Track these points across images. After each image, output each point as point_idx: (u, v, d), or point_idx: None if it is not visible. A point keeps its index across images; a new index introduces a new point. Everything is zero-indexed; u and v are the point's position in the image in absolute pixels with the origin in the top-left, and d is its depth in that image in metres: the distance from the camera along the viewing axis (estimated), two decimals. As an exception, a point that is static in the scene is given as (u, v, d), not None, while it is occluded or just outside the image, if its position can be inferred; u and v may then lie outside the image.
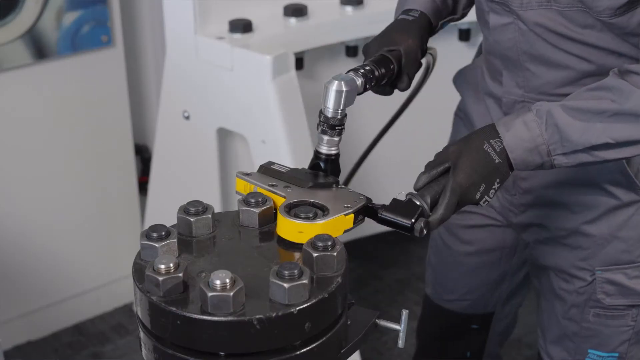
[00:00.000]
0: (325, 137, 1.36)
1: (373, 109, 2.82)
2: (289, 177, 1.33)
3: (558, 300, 1.69)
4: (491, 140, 1.35)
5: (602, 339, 1.66)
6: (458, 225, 1.80)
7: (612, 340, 1.65)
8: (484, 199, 1.35)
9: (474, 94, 1.70)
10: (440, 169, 1.34)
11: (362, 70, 1.39)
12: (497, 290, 1.85)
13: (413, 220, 1.27)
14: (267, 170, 1.35)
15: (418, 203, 1.29)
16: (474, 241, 1.80)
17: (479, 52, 1.77)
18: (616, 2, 1.35)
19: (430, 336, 1.93)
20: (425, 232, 1.27)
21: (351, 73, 1.38)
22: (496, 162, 1.34)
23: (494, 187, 1.35)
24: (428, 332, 1.94)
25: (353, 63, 2.75)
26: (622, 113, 1.31)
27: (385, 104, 2.81)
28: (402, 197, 1.30)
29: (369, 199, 1.30)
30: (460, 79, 1.77)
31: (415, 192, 1.32)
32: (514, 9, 1.45)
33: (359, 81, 1.37)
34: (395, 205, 1.29)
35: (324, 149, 1.36)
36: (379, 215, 1.29)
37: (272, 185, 1.31)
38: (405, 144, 2.78)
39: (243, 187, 1.33)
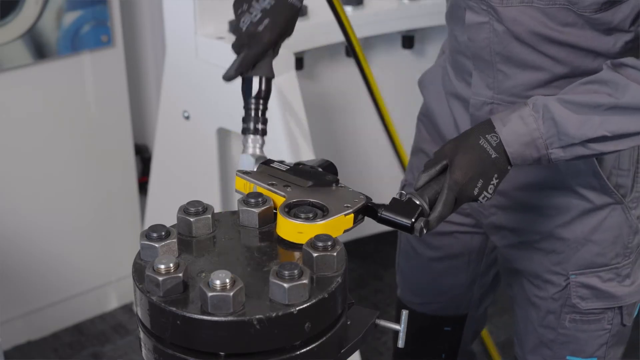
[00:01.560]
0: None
1: (372, 110, 2.82)
2: (289, 175, 1.33)
3: (533, 308, 1.67)
4: (487, 135, 1.35)
5: (579, 345, 1.64)
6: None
7: (590, 344, 1.64)
8: (482, 195, 1.34)
9: (437, 96, 1.68)
10: (438, 167, 1.34)
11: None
12: (469, 293, 1.84)
13: (413, 220, 1.27)
14: (267, 168, 1.35)
15: (418, 202, 1.29)
16: (441, 247, 1.78)
17: (441, 52, 1.75)
18: None
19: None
20: (425, 231, 1.28)
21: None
22: (492, 157, 1.34)
23: (492, 182, 1.35)
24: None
25: (353, 63, 2.74)
26: (618, 107, 1.31)
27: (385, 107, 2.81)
28: (403, 198, 1.31)
29: (368, 198, 1.30)
30: (423, 82, 1.74)
31: (415, 191, 1.32)
32: (493, 5, 1.42)
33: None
34: (395, 205, 1.29)
35: None
36: (379, 214, 1.29)
37: (272, 184, 1.31)
38: (404, 141, 2.78)
39: (243, 185, 1.33)
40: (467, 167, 1.32)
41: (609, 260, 1.59)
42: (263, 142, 1.46)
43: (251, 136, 1.45)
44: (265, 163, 1.36)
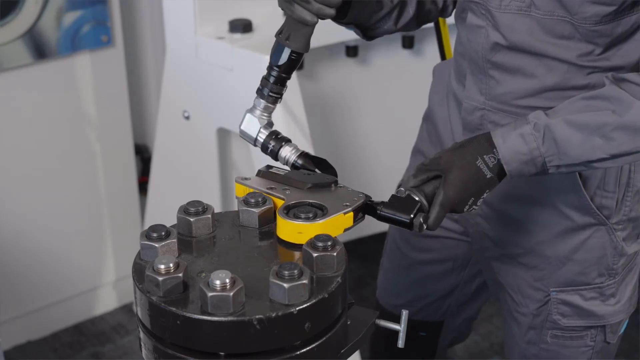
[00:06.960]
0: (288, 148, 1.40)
1: (372, 110, 2.83)
2: (287, 179, 1.33)
3: (515, 323, 1.66)
4: (485, 156, 1.35)
5: None
6: (412, 233, 1.78)
7: None
8: (471, 209, 1.36)
9: (440, 98, 1.67)
10: (431, 175, 1.33)
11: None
12: (447, 301, 1.82)
13: (412, 216, 1.27)
14: (266, 174, 1.35)
15: (417, 199, 1.30)
16: (426, 250, 1.77)
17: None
18: (604, 10, 1.34)
19: (378, 341, 1.87)
20: (425, 227, 1.28)
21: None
22: (487, 177, 1.35)
23: (482, 197, 1.36)
24: (376, 337, 1.89)
25: (353, 63, 2.75)
26: (622, 126, 1.31)
27: (383, 106, 2.82)
28: (401, 194, 1.31)
29: (368, 197, 1.31)
30: (435, 71, 1.72)
31: (414, 187, 1.32)
32: (491, 10, 1.42)
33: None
34: (394, 202, 1.30)
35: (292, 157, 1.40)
36: (378, 212, 1.29)
37: (271, 189, 1.31)
38: (404, 141, 2.78)
39: (242, 191, 1.33)
40: (460, 188, 1.32)
41: (590, 279, 1.57)
42: (273, 109, 1.42)
43: (263, 101, 1.41)
44: (264, 170, 1.36)
